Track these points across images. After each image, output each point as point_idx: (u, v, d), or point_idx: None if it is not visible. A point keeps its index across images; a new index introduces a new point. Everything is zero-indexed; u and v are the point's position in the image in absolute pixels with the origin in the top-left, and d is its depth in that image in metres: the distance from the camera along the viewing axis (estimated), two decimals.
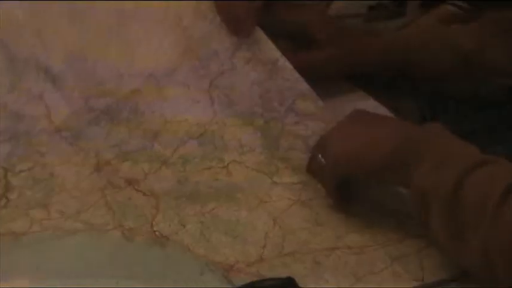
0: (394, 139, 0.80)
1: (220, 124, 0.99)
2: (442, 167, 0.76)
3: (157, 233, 0.84)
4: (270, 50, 1.02)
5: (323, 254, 0.82)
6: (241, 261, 0.81)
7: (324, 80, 1.01)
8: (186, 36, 1.04)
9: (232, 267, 0.81)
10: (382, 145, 0.81)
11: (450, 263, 0.81)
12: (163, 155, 0.96)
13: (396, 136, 0.81)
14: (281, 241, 0.84)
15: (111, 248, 0.82)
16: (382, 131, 0.83)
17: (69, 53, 1.05)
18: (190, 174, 0.93)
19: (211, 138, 0.97)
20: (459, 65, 1.02)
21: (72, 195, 0.89)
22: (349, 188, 0.88)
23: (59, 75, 1.04)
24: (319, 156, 0.88)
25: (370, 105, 1.03)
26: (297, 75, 1.02)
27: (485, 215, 0.72)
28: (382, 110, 1.02)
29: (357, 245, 0.84)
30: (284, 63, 1.02)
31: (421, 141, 0.79)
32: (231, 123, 0.99)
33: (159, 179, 0.92)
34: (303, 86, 1.01)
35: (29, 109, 1.01)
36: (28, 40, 1.05)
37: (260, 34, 1.03)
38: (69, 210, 0.86)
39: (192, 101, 1.01)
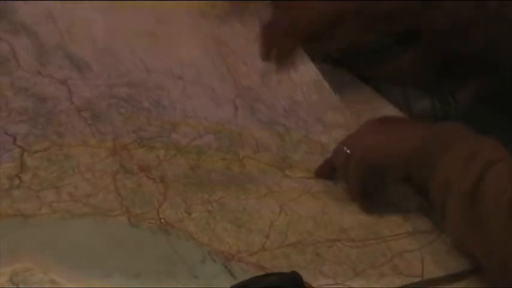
0: (422, 134, 0.83)
1: (240, 126, 1.00)
2: (464, 160, 0.78)
3: (162, 220, 0.86)
4: (309, 71, 1.05)
5: (325, 246, 0.84)
6: (244, 251, 0.83)
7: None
8: (216, 43, 1.08)
9: (234, 257, 0.82)
10: (410, 139, 0.84)
11: (451, 261, 0.82)
12: (179, 143, 0.97)
13: (423, 132, 0.84)
14: (285, 229, 0.86)
15: (115, 234, 0.84)
16: (410, 127, 0.87)
17: (97, 46, 1.10)
18: (204, 163, 0.95)
19: (228, 135, 0.99)
20: None
21: (85, 178, 0.91)
22: (368, 184, 0.89)
23: (85, 64, 1.07)
24: (345, 148, 0.88)
25: (381, 104, 1.04)
26: (333, 94, 1.03)
27: (501, 208, 0.74)
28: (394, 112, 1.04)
29: (360, 238, 0.84)
30: (323, 84, 1.03)
31: (445, 136, 0.81)
32: (252, 127, 1.01)
33: (172, 166, 0.94)
34: (335, 98, 1.03)
35: (51, 92, 1.04)
36: (58, 30, 1.10)
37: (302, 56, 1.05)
38: (79, 193, 0.89)
39: (216, 104, 1.03)
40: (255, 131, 0.99)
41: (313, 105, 1.04)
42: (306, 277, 0.77)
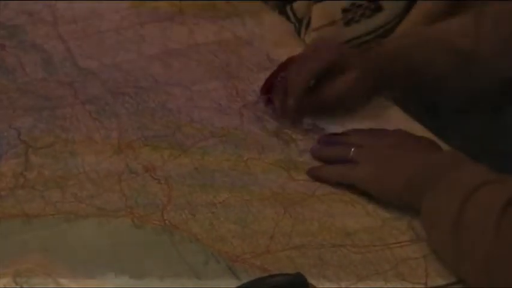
0: (413, 167, 0.85)
1: (245, 131, 1.00)
2: (449, 190, 0.80)
3: (167, 221, 0.85)
4: None
5: (329, 251, 0.83)
6: (248, 252, 0.82)
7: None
8: (226, 73, 1.11)
9: (238, 258, 0.82)
10: (402, 173, 0.86)
11: None
12: (184, 144, 0.97)
13: (415, 164, 0.86)
14: (289, 231, 0.85)
15: (119, 235, 0.84)
16: (404, 159, 0.88)
17: (105, 62, 1.12)
18: (208, 163, 0.94)
19: (233, 139, 0.99)
20: (456, 65, 1.03)
21: (90, 178, 0.91)
22: None
23: (92, 72, 1.10)
24: (352, 150, 0.91)
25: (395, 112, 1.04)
26: None
27: (487, 230, 0.75)
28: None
29: (364, 244, 0.84)
30: None
31: (435, 168, 0.83)
32: (257, 132, 1.00)
33: (177, 166, 0.94)
34: None
35: (56, 92, 1.06)
36: (66, 47, 1.14)
37: None
38: (84, 194, 0.89)
39: (222, 113, 1.03)
40: (261, 137, 0.99)
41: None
42: (309, 280, 0.77)
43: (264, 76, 1.05)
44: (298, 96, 0.98)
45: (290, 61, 1.02)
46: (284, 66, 1.03)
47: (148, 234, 0.84)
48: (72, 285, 0.78)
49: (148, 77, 1.09)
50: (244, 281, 0.78)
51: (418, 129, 0.99)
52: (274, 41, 1.17)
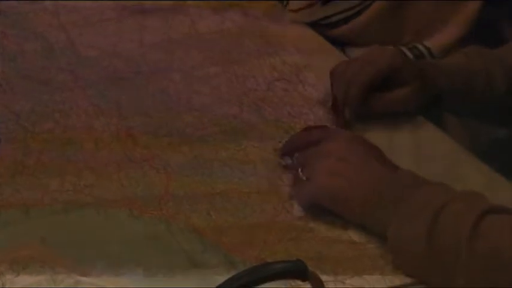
0: (371, 187, 0.83)
1: (245, 120, 1.00)
2: (412, 219, 0.79)
3: (164, 211, 0.85)
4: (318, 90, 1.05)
5: (326, 246, 0.83)
6: (245, 243, 0.83)
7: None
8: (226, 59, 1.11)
9: (235, 249, 0.82)
10: (360, 192, 0.83)
11: None
12: (183, 132, 0.97)
13: (372, 184, 0.83)
14: (287, 226, 0.85)
15: (117, 224, 0.84)
16: (361, 178, 0.85)
17: (109, 49, 1.13)
18: (207, 152, 0.95)
19: (233, 127, 0.99)
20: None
21: (88, 166, 0.91)
22: None
23: (94, 59, 1.10)
24: (300, 170, 0.88)
25: None
26: None
27: (461, 251, 0.75)
28: None
29: (361, 241, 0.84)
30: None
31: (393, 193, 0.82)
32: (257, 121, 1.01)
33: (176, 154, 0.94)
34: None
35: (57, 78, 1.06)
36: (68, 36, 1.15)
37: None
38: (82, 183, 0.89)
39: (221, 99, 1.03)
40: (260, 125, 0.99)
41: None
42: None
43: (264, 62, 1.07)
44: (355, 108, 0.99)
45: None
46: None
47: (146, 224, 0.84)
48: (69, 273, 0.78)
49: (148, 63, 1.09)
50: (242, 270, 0.78)
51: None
52: (277, 30, 1.17)
